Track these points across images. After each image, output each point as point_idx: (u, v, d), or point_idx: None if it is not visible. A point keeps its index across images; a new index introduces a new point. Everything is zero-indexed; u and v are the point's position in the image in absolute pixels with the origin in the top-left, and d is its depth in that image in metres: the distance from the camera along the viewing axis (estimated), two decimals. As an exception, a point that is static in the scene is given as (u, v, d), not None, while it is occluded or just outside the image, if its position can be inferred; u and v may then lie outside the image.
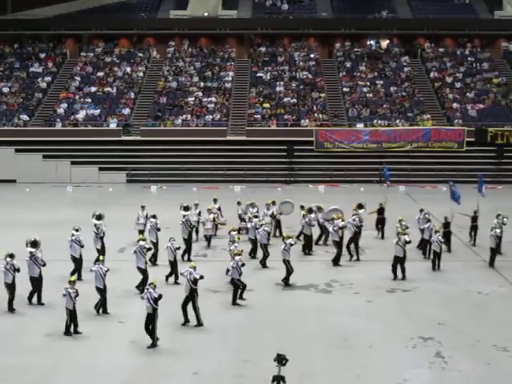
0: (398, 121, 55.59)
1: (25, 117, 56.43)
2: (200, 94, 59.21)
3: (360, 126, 55.20)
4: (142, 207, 32.77)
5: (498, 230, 29.33)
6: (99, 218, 29.38)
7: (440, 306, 23.78)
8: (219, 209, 34.90)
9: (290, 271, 26.13)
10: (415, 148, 53.37)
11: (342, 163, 52.42)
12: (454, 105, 58.17)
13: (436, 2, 71.87)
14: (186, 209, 30.97)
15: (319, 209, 33.34)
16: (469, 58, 65.45)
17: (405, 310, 23.52)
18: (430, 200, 40.69)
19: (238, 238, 27.56)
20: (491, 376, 18.45)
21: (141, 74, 62.72)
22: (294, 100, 58.63)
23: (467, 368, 18.72)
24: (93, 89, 60.09)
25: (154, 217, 29.97)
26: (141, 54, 65.71)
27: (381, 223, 34.36)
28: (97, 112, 56.82)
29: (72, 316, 21.00)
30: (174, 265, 26.07)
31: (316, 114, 56.49)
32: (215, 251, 31.23)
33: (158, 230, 29.19)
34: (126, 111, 57.34)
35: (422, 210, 32.82)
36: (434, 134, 53.71)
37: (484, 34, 67.94)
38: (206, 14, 68.75)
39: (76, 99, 58.69)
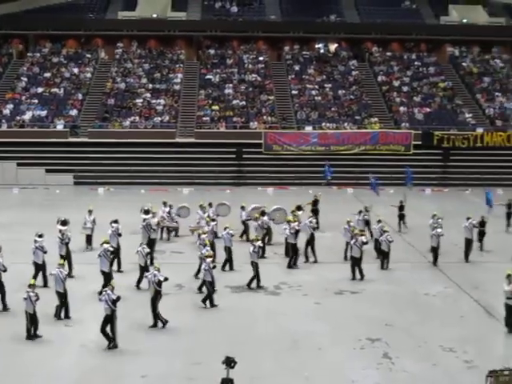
0: (346, 124, 56.01)
1: (-31, 118, 55.55)
2: (148, 95, 58.88)
3: (308, 128, 55.45)
4: (90, 211, 32.03)
5: (439, 230, 30.02)
6: (64, 223, 28.86)
7: (387, 308, 24.01)
8: (169, 212, 34.46)
9: (256, 274, 26.15)
10: (363, 151, 53.84)
11: (291, 166, 52.62)
12: (401, 108, 58.84)
13: (383, 6, 72.55)
14: (147, 212, 30.60)
15: (242, 207, 34.22)
16: (415, 63, 66.31)
17: (353, 311, 23.70)
18: (378, 202, 41.01)
19: (209, 241, 27.51)
20: (438, 376, 18.68)
21: (89, 75, 62.11)
22: (243, 102, 58.67)
23: (414, 369, 18.92)
24: (40, 90, 59.31)
25: (115, 222, 29.18)
26: (89, 55, 65.10)
27: (315, 213, 35.85)
28: (44, 113, 56.08)
29: (32, 320, 20.71)
30: (144, 270, 25.20)
31: (265, 117, 56.61)
32: (164, 254, 31.00)
33: (120, 235, 28.49)
34: (74, 112, 56.72)
35: (360, 212, 33.22)
36: (381, 137, 54.27)
37: (430, 38, 68.89)
38: (154, 16, 68.33)
39: (22, 100, 57.85)
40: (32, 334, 20.81)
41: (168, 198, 36.78)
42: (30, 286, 20.87)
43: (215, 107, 57.59)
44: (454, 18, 71.09)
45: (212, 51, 66.46)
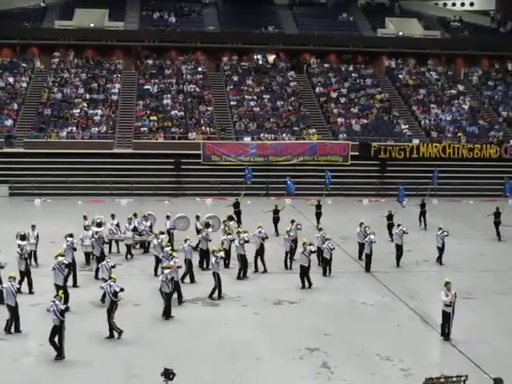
0: (284, 135, 56.29)
1: None
2: (86, 105, 58.30)
3: (247, 139, 55.58)
4: (33, 226, 30.88)
5: (372, 237, 30.71)
6: (23, 238, 27.93)
7: (326, 317, 24.10)
8: (117, 224, 33.74)
9: (218, 284, 26.00)
10: (301, 161, 54.16)
11: (229, 176, 52.57)
12: (339, 119, 59.41)
13: (321, 18, 73.49)
14: (99, 225, 29.95)
15: (168, 217, 34.30)
16: (353, 74, 67.12)
17: (291, 321, 23.72)
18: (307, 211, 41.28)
19: (173, 251, 27.23)
20: (376, 385, 18.83)
21: (24, 85, 61.25)
22: (182, 113, 58.52)
23: (352, 377, 19.01)
24: (-27, 99, 58.33)
25: (70, 236, 28.29)
26: (24, 65, 64.22)
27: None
28: (-22, 123, 55.14)
29: None
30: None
31: (203, 127, 56.58)
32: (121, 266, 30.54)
33: (74, 249, 27.68)
34: (9, 122, 55.80)
35: (293, 221, 33.34)
36: (319, 147, 54.70)
37: (367, 50, 69.95)
38: (92, 25, 67.78)
39: (-44, 110, 56.79)
40: None
41: (108, 209, 36.43)
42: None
43: (153, 118, 57.32)
44: (390, 30, 72.32)
45: (150, 61, 66.23)
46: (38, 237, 30.48)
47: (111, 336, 21.70)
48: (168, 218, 34.33)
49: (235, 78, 64.68)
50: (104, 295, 23.72)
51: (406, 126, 59.38)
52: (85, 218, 33.03)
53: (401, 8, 77.61)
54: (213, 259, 26.35)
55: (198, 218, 34.50)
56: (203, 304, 25.54)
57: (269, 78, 65.18)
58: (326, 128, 59.32)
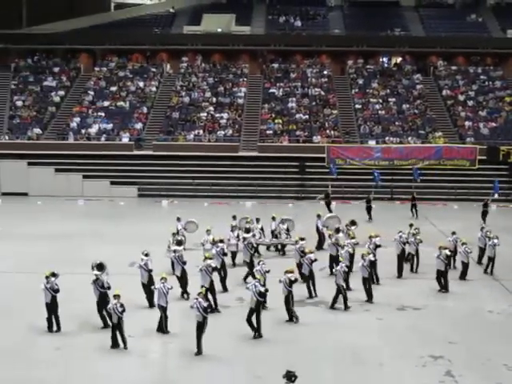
0: (409, 138, 55.60)
1: (38, 130, 56.82)
2: (212, 109, 59.40)
3: (372, 142, 55.24)
4: (208, 231, 31.18)
5: (495, 241, 30.40)
6: (180, 243, 27.94)
7: (450, 324, 23.64)
8: (262, 228, 34.09)
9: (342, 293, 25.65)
10: (427, 165, 53.26)
11: (353, 180, 52.22)
12: (466, 123, 58.14)
13: (449, 20, 72.10)
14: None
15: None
16: (481, 76, 65.52)
17: (415, 327, 23.39)
18: (442, 217, 40.60)
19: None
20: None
21: (153, 89, 63.04)
22: (306, 116, 58.75)
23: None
24: (106, 103, 60.43)
25: (221, 241, 28.09)
26: (154, 69, 66.12)
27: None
28: (109, 126, 57.10)
29: (116, 328, 20.96)
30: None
31: (328, 131, 56.56)
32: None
33: (225, 254, 27.53)
34: (139, 126, 57.60)
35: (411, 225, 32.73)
36: (445, 151, 53.63)
37: (496, 52, 68.02)
38: (219, 30, 69.05)
39: (89, 113, 59.01)
40: (116, 344, 21.08)
41: (232, 211, 36.93)
42: (115, 296, 20.86)
43: (278, 121, 57.79)
44: (520, 31, 70.09)
45: (276, 65, 66.78)
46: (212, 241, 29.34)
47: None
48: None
49: (360, 81, 64.36)
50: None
51: (537, 130, 57.54)
52: (234, 217, 33.74)
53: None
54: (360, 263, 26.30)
55: (319, 216, 35.07)
56: (326, 307, 25.48)
57: (394, 81, 64.52)
58: (453, 131, 58.19)
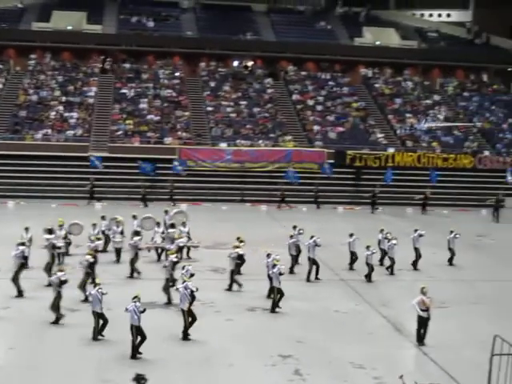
0: (260, 141, 56.34)
1: None
2: (61, 108, 58.00)
3: (223, 145, 55.56)
4: (26, 229, 30.25)
5: (394, 242, 31.75)
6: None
7: (299, 324, 24.04)
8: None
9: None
10: (277, 168, 54.16)
11: (204, 182, 52.47)
12: (315, 127, 59.56)
13: (299, 26, 73.65)
14: (50, 231, 28.80)
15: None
16: (330, 82, 67.32)
17: (265, 328, 23.62)
18: (293, 219, 41.24)
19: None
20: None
21: (0, 86, 60.80)
22: (158, 117, 58.39)
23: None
24: None
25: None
26: (0, 66, 63.72)
27: None
28: (-49, 124, 54.66)
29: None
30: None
31: (179, 133, 56.47)
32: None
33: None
34: (-17, 124, 55.48)
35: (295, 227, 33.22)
36: (295, 155, 54.79)
37: (344, 59, 70.03)
38: (69, 28, 67.47)
39: None
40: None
41: (81, 213, 36.22)
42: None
43: (129, 122, 57.15)
44: (367, 39, 72.61)
45: (127, 65, 65.96)
46: (31, 239, 29.56)
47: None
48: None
49: (212, 84, 64.63)
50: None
51: (382, 135, 59.68)
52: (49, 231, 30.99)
53: (375, 17, 78.01)
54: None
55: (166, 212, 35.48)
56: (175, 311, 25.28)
57: (246, 85, 65.20)
58: (302, 135, 59.42)
